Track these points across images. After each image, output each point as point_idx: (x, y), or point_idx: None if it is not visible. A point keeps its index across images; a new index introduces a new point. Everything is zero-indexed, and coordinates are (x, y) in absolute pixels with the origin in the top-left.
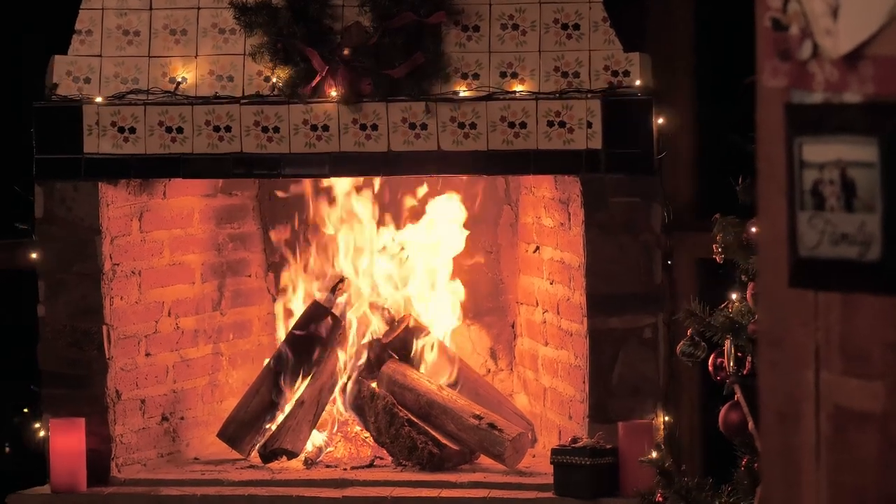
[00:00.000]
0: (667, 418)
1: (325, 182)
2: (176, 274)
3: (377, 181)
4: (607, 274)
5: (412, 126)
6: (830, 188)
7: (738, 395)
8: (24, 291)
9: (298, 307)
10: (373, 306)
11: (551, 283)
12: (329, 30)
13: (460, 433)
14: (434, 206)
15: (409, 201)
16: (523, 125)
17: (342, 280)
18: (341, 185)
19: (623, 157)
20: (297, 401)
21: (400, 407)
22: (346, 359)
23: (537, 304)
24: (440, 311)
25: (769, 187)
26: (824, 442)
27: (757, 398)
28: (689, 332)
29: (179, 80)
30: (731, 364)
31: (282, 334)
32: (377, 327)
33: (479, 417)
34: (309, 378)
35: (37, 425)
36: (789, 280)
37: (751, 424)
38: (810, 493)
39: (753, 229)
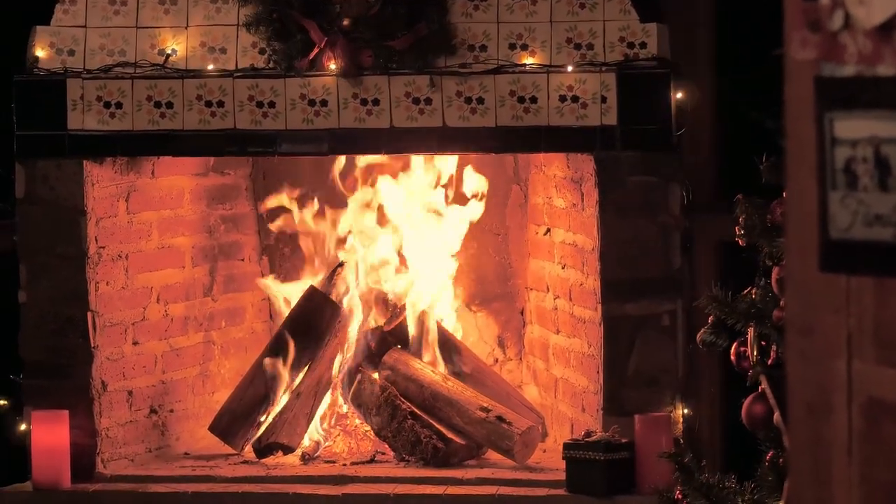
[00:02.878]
0: (686, 411)
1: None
2: (165, 258)
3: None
4: (623, 258)
5: (416, 101)
6: (864, 166)
7: (765, 386)
8: (3, 276)
9: (295, 293)
10: (374, 292)
11: (563, 268)
12: None
13: (467, 427)
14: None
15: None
16: (534, 100)
17: (341, 265)
18: (340, 162)
19: (639, 134)
20: (293, 392)
21: (402, 399)
22: (346, 348)
23: (548, 289)
24: (444, 297)
25: (798, 166)
26: (857, 435)
27: (784, 389)
28: (710, 320)
29: (169, 52)
30: (755, 353)
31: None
32: (378, 314)
33: (486, 410)
34: (306, 368)
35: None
36: (820, 264)
37: (776, 417)
38: (842, 489)
39: (779, 210)
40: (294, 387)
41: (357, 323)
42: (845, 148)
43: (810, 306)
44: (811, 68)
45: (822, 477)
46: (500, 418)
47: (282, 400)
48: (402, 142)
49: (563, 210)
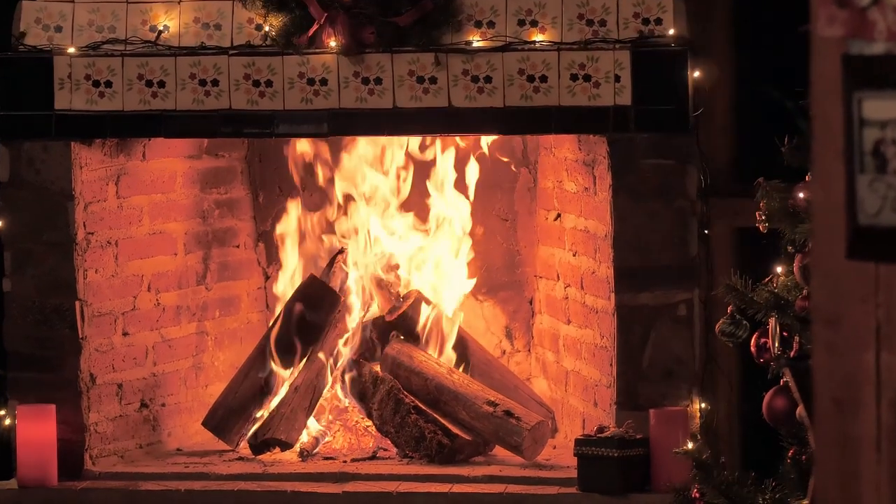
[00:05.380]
0: (703, 405)
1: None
2: (156, 244)
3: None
4: (637, 244)
5: (420, 80)
6: (893, 149)
7: (788, 379)
8: None
9: (293, 281)
10: (376, 281)
11: (574, 255)
12: None
13: (473, 422)
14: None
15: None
16: (544, 79)
17: (342, 251)
18: (341, 143)
19: (655, 115)
20: (291, 386)
21: (406, 392)
22: (346, 339)
23: (558, 277)
24: (449, 286)
25: (824, 148)
26: (886, 431)
27: (808, 383)
28: (728, 310)
29: (161, 28)
30: (776, 345)
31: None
32: (380, 304)
33: (493, 404)
34: (304, 360)
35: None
36: (847, 251)
37: (799, 411)
38: (870, 488)
39: (801, 195)
40: (292, 380)
41: (358, 313)
42: (874, 129)
43: (837, 295)
44: (838, 46)
45: (850, 475)
46: (508, 413)
47: (279, 394)
48: (405, 123)
49: (575, 194)
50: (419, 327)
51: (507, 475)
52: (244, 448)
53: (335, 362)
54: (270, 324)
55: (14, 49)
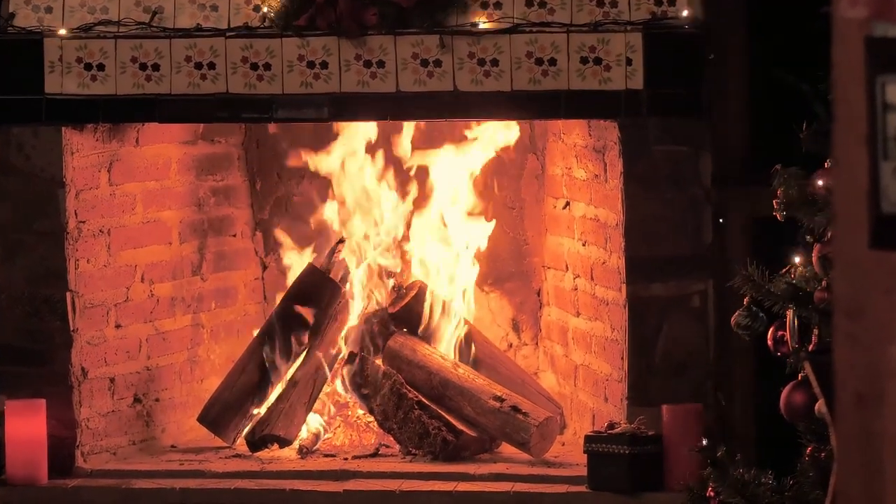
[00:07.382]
0: (718, 400)
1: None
2: (150, 233)
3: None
4: (649, 233)
5: (424, 63)
6: None
7: (808, 373)
8: None
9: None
10: (378, 271)
11: (584, 245)
12: None
13: (479, 417)
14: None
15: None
16: (552, 62)
17: (342, 241)
18: (343, 127)
19: (668, 99)
20: (289, 380)
21: (409, 387)
22: (347, 332)
23: (567, 268)
24: (455, 277)
25: (846, 134)
26: None
27: (829, 377)
28: (745, 301)
29: (155, 9)
30: (794, 338)
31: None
32: (383, 295)
33: (500, 399)
34: (304, 354)
35: None
36: (870, 241)
37: (818, 406)
38: (894, 485)
39: (820, 182)
40: (290, 374)
41: (359, 304)
42: None
43: (860, 287)
44: (861, 28)
45: (873, 472)
46: (515, 408)
47: (277, 388)
48: (408, 107)
49: (584, 182)
50: (423, 319)
51: (514, 473)
52: (241, 445)
53: (336, 356)
54: (268, 316)
55: (3, 31)
